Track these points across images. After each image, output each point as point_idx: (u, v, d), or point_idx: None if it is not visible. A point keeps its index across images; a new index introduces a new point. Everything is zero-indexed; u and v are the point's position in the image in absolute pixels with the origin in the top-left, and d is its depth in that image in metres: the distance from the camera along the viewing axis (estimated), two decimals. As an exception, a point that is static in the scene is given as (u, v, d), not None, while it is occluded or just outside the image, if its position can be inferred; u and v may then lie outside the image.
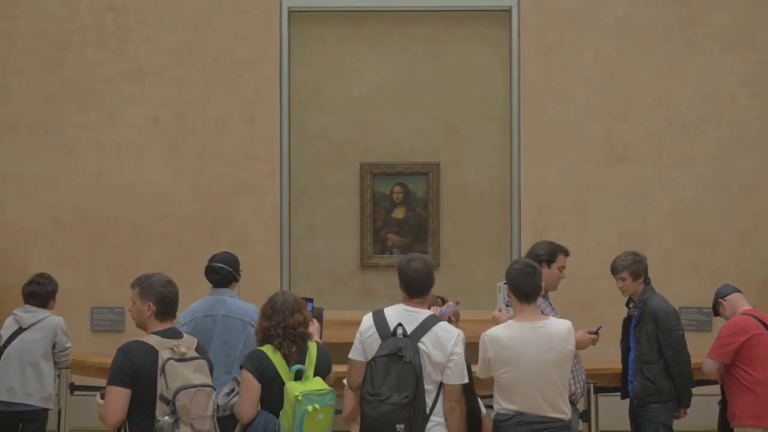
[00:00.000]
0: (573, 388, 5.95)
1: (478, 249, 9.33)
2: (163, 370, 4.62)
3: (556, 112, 9.19)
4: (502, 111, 9.32)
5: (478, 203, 9.37)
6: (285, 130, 9.23)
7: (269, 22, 9.20)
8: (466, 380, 5.06)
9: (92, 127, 9.22)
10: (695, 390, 6.76)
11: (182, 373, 4.65)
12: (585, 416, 6.92)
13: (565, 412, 5.21)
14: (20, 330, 7.18)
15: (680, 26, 9.19)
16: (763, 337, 6.63)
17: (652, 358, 6.59)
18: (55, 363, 7.31)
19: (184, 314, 6.31)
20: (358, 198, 9.40)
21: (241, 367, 5.27)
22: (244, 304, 6.27)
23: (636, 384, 6.65)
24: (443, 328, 5.09)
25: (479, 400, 5.23)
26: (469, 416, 5.12)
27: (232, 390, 5.40)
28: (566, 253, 6.35)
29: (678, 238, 9.15)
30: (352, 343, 5.25)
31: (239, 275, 6.42)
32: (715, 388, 7.04)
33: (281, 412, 5.07)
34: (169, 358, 4.64)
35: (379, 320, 5.07)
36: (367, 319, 5.14)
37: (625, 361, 6.83)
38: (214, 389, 4.81)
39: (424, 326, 5.03)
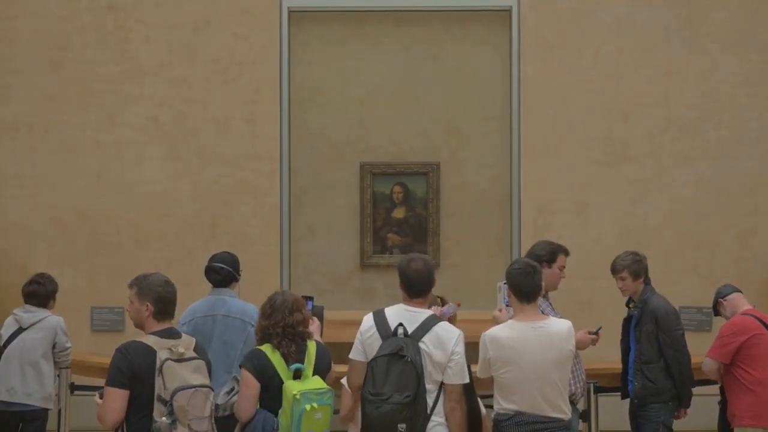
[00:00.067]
0: (573, 388, 5.95)
1: (478, 249, 9.33)
2: (160, 371, 4.61)
3: (556, 112, 9.18)
4: (502, 111, 9.32)
5: (478, 203, 9.37)
6: (285, 130, 9.22)
7: (269, 22, 9.20)
8: (466, 380, 5.07)
9: (92, 127, 9.22)
10: (695, 390, 6.76)
11: (180, 374, 4.64)
12: (585, 416, 6.92)
13: (565, 412, 5.21)
14: (20, 330, 7.19)
15: (680, 26, 9.19)
16: (764, 337, 6.63)
17: (652, 357, 6.59)
18: (55, 363, 7.31)
19: (184, 314, 6.32)
20: (358, 198, 9.40)
21: (240, 366, 5.28)
22: (244, 303, 6.27)
23: (636, 384, 6.65)
24: (444, 327, 5.09)
25: (479, 399, 5.23)
26: (469, 416, 5.12)
27: (232, 389, 5.42)
28: (566, 252, 6.36)
29: (678, 238, 9.15)
30: (352, 343, 5.26)
31: (239, 275, 6.42)
32: (716, 388, 7.04)
33: (280, 411, 5.08)
34: (166, 359, 4.64)
35: (380, 320, 5.08)
36: (368, 320, 5.14)
37: (625, 360, 6.84)
38: (212, 390, 4.81)
39: (425, 326, 5.03)
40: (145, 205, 9.18)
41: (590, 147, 9.18)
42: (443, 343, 5.02)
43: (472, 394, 5.17)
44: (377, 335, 5.03)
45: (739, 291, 6.93)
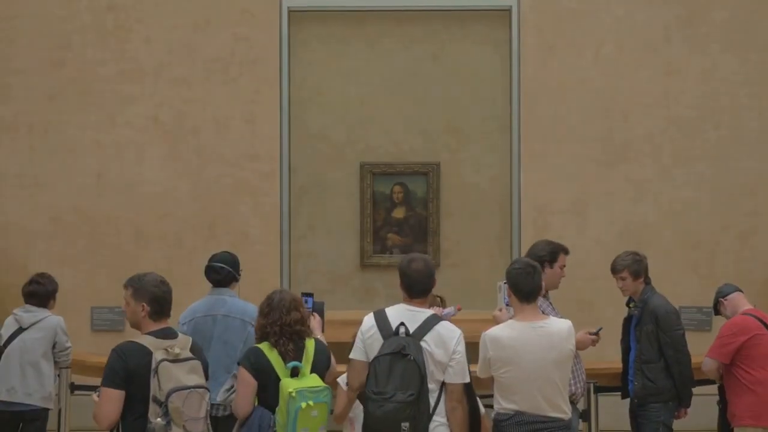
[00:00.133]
0: (573, 388, 5.95)
1: (478, 249, 9.33)
2: (156, 372, 4.61)
3: (556, 112, 9.18)
4: (502, 111, 9.31)
5: (478, 203, 9.37)
6: (285, 130, 9.23)
7: (269, 22, 9.20)
8: (467, 379, 5.07)
9: (92, 127, 9.22)
10: (695, 390, 6.76)
11: (175, 375, 4.64)
12: (585, 416, 6.92)
13: (565, 412, 5.21)
14: (20, 330, 7.18)
15: (680, 26, 9.19)
16: (764, 337, 6.63)
17: (652, 357, 6.59)
18: (56, 363, 7.31)
19: (184, 314, 6.32)
20: (358, 198, 9.40)
21: (238, 364, 5.30)
22: (244, 303, 6.27)
23: (636, 384, 6.65)
24: (445, 327, 5.10)
25: (478, 399, 5.23)
26: (468, 416, 5.12)
27: (232, 386, 5.44)
28: (566, 251, 6.37)
29: (678, 238, 9.15)
30: (352, 343, 5.27)
31: (239, 275, 6.43)
32: (716, 388, 7.03)
33: (277, 409, 5.11)
34: (162, 360, 4.63)
35: (381, 320, 5.08)
36: (368, 319, 5.14)
37: (625, 360, 6.83)
38: (208, 390, 4.81)
39: (426, 325, 5.04)
40: (145, 205, 9.18)
41: (590, 147, 9.18)
42: (445, 343, 5.02)
43: (471, 394, 5.17)
44: (378, 335, 5.04)
45: (740, 290, 6.93)
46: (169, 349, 4.68)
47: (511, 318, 5.35)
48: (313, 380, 5.16)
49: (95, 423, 4.72)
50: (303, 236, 9.39)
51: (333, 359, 5.54)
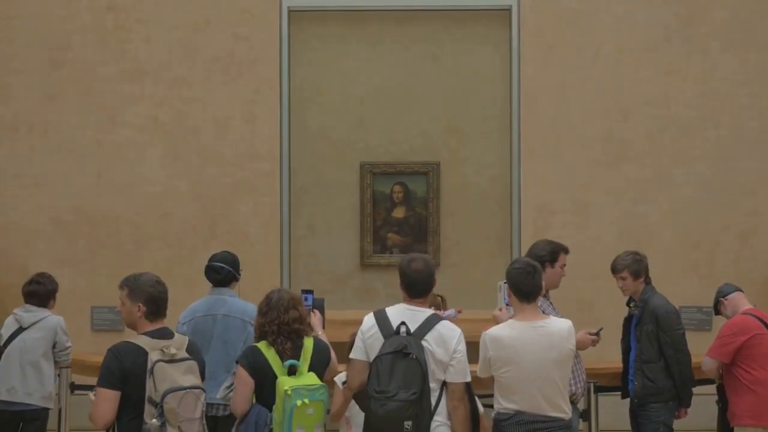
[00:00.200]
0: (573, 388, 5.95)
1: (478, 249, 9.33)
2: (151, 372, 4.60)
3: (556, 111, 9.18)
4: (502, 111, 9.31)
5: (478, 203, 9.36)
6: (285, 130, 9.22)
7: (269, 22, 9.20)
8: (468, 378, 5.08)
9: (92, 127, 9.22)
10: (696, 390, 6.76)
11: (171, 375, 4.63)
12: (585, 416, 6.92)
13: (565, 412, 5.21)
14: (20, 329, 7.18)
15: (680, 26, 9.19)
16: (764, 337, 6.63)
17: (652, 357, 6.59)
18: (56, 362, 7.31)
19: (184, 314, 6.33)
20: (358, 197, 9.40)
21: (236, 362, 5.32)
22: (244, 303, 6.28)
23: (636, 383, 6.65)
24: (446, 326, 5.10)
25: (477, 399, 5.24)
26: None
27: (232, 384, 5.46)
28: (566, 251, 6.38)
29: (678, 238, 9.15)
30: (350, 342, 5.27)
31: (239, 275, 6.43)
32: (715, 388, 7.03)
33: (274, 407, 5.12)
34: (158, 360, 4.63)
35: (381, 319, 5.08)
36: (369, 319, 5.14)
37: (625, 360, 6.83)
38: (204, 391, 4.81)
39: (427, 324, 5.04)
40: (145, 205, 9.18)
41: (590, 147, 9.18)
42: (446, 342, 5.03)
43: (470, 394, 5.17)
44: (379, 334, 5.04)
45: (740, 290, 6.93)
46: (165, 350, 4.68)
47: (511, 318, 5.35)
48: (310, 378, 5.18)
49: (91, 423, 4.72)
50: (303, 236, 9.39)
51: (334, 357, 5.55)
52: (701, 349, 6.91)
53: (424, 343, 4.99)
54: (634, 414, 6.76)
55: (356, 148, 9.42)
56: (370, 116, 9.44)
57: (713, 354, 6.72)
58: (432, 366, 4.98)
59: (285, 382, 5.09)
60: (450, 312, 6.30)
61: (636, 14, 9.19)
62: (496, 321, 5.56)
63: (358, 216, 9.40)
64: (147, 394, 4.60)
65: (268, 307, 5.33)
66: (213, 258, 6.45)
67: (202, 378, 4.87)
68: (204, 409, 4.78)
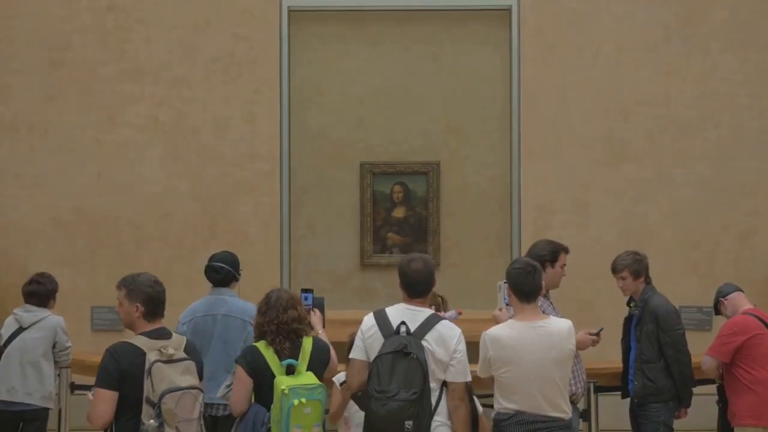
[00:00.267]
0: (574, 388, 5.95)
1: (478, 248, 9.32)
2: (149, 373, 4.60)
3: (556, 111, 9.18)
4: (502, 111, 9.31)
5: (478, 202, 9.36)
6: (285, 130, 9.22)
7: (269, 22, 9.20)
8: (469, 378, 5.08)
9: (92, 127, 9.22)
10: (696, 389, 6.76)
11: (168, 376, 4.63)
12: (585, 415, 6.92)
13: (565, 411, 5.21)
14: (20, 329, 7.18)
15: (680, 26, 9.19)
16: (764, 336, 6.63)
17: (652, 357, 6.59)
18: (56, 362, 7.31)
19: (184, 314, 6.33)
20: (358, 197, 9.40)
21: (236, 362, 5.33)
22: (244, 303, 6.27)
23: (636, 383, 6.65)
24: (446, 326, 5.10)
25: (475, 398, 5.23)
26: (466, 415, 5.14)
27: (232, 383, 5.47)
28: (566, 250, 6.39)
29: (678, 238, 9.15)
30: (349, 342, 5.27)
31: (239, 274, 6.43)
32: (715, 388, 7.03)
33: (272, 406, 5.13)
34: (155, 361, 4.63)
35: (381, 319, 5.08)
36: (369, 319, 5.14)
37: (625, 360, 6.83)
38: (201, 391, 4.80)
39: (427, 324, 5.04)
40: (145, 205, 9.18)
41: (590, 147, 9.18)
42: (446, 341, 5.03)
43: (469, 393, 5.17)
44: (379, 334, 5.04)
45: (741, 290, 6.93)
46: (162, 350, 4.68)
47: (511, 318, 5.35)
48: (308, 378, 5.19)
49: (89, 423, 4.72)
50: (303, 236, 9.39)
51: (334, 356, 5.55)
52: (701, 349, 6.90)
53: (424, 342, 4.99)
54: (634, 414, 6.76)
55: (356, 148, 9.42)
56: (370, 116, 9.44)
57: (713, 353, 6.72)
58: (432, 366, 4.98)
59: (282, 382, 5.10)
60: (451, 313, 6.30)
61: (636, 14, 9.19)
62: (496, 321, 5.56)
63: (358, 216, 9.40)
64: (145, 395, 4.60)
65: (267, 306, 5.35)
66: (213, 258, 6.45)
67: (200, 378, 4.87)
68: (202, 409, 4.78)
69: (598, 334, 6.12)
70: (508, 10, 9.21)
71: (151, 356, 4.63)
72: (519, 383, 5.14)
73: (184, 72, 9.21)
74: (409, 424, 4.85)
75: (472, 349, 5.16)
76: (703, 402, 7.16)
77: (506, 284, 5.40)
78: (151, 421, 4.57)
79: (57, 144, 9.20)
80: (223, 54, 9.21)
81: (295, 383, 5.09)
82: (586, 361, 6.35)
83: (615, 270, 6.75)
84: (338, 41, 9.43)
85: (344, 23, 9.45)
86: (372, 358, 5.01)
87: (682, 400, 6.66)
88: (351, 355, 5.17)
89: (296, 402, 5.02)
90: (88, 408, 4.70)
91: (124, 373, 4.63)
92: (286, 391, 5.04)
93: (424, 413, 4.91)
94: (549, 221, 9.10)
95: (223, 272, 6.35)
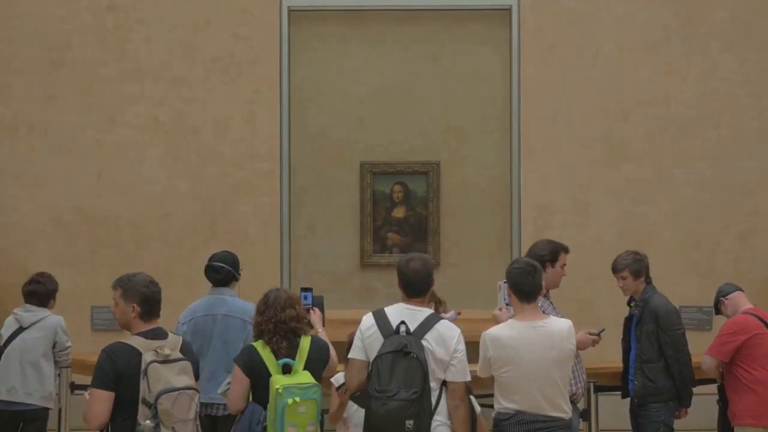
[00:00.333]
0: (574, 388, 5.95)
1: (478, 248, 9.32)
2: (145, 373, 4.60)
3: (556, 111, 9.18)
4: (502, 111, 9.31)
5: (478, 202, 9.36)
6: (285, 130, 9.23)
7: (269, 22, 9.20)
8: (468, 378, 5.08)
9: (92, 127, 9.22)
10: (696, 389, 6.76)
11: (164, 376, 4.62)
12: (585, 415, 6.91)
13: (565, 411, 5.21)
14: (20, 329, 7.18)
15: (680, 26, 9.19)
16: (764, 336, 6.63)
17: (652, 357, 6.59)
18: (56, 362, 7.31)
19: (183, 313, 6.33)
20: (358, 197, 9.40)
21: (234, 361, 5.35)
22: (244, 303, 6.28)
23: (636, 383, 6.65)
24: (445, 325, 5.10)
25: (473, 398, 5.23)
26: (464, 415, 5.14)
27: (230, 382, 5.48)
28: (566, 250, 6.39)
29: (678, 238, 9.15)
30: (348, 342, 5.27)
31: (239, 274, 6.43)
32: (716, 388, 7.03)
33: (268, 405, 5.13)
34: (152, 361, 4.62)
35: (381, 319, 5.08)
36: (368, 319, 5.14)
37: (626, 360, 6.83)
38: (197, 392, 4.80)
39: (427, 324, 5.04)
40: (145, 205, 9.18)
41: (590, 147, 9.18)
42: (445, 341, 5.03)
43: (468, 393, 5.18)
44: (378, 334, 5.03)
45: (741, 290, 6.93)
46: (158, 350, 4.67)
47: (511, 317, 5.35)
48: (304, 377, 5.19)
49: (85, 423, 4.72)
50: (303, 236, 9.39)
51: (334, 355, 5.55)
52: (701, 348, 6.91)
53: (423, 342, 4.99)
54: (635, 414, 6.76)
55: (356, 148, 9.42)
56: (370, 116, 9.44)
57: (713, 352, 6.72)
58: (432, 365, 4.98)
59: (277, 381, 5.11)
60: (450, 314, 6.30)
61: (636, 14, 9.19)
62: (496, 321, 5.56)
63: (358, 216, 9.41)
64: (141, 395, 4.60)
65: (266, 305, 5.35)
66: (213, 258, 6.45)
67: (196, 378, 4.86)
68: (198, 410, 4.77)
69: (598, 335, 6.12)
70: (508, 10, 9.21)
71: (147, 356, 4.63)
72: (519, 383, 5.14)
73: (184, 72, 9.22)
74: (409, 423, 4.85)
75: (472, 349, 5.16)
76: (704, 402, 7.16)
77: (506, 284, 5.40)
78: (147, 421, 4.57)
79: (57, 144, 9.21)
80: (223, 54, 9.21)
81: (289, 382, 5.10)
82: (586, 361, 6.35)
83: (615, 270, 6.75)
84: (338, 41, 9.43)
85: (344, 23, 9.45)
86: (371, 357, 5.01)
87: (682, 400, 6.66)
88: (350, 355, 5.17)
89: (290, 401, 5.03)
90: (86, 408, 4.69)
91: (120, 374, 4.63)
92: (281, 390, 5.05)
93: (424, 413, 4.91)
94: (549, 221, 9.10)
95: (223, 272, 6.35)
